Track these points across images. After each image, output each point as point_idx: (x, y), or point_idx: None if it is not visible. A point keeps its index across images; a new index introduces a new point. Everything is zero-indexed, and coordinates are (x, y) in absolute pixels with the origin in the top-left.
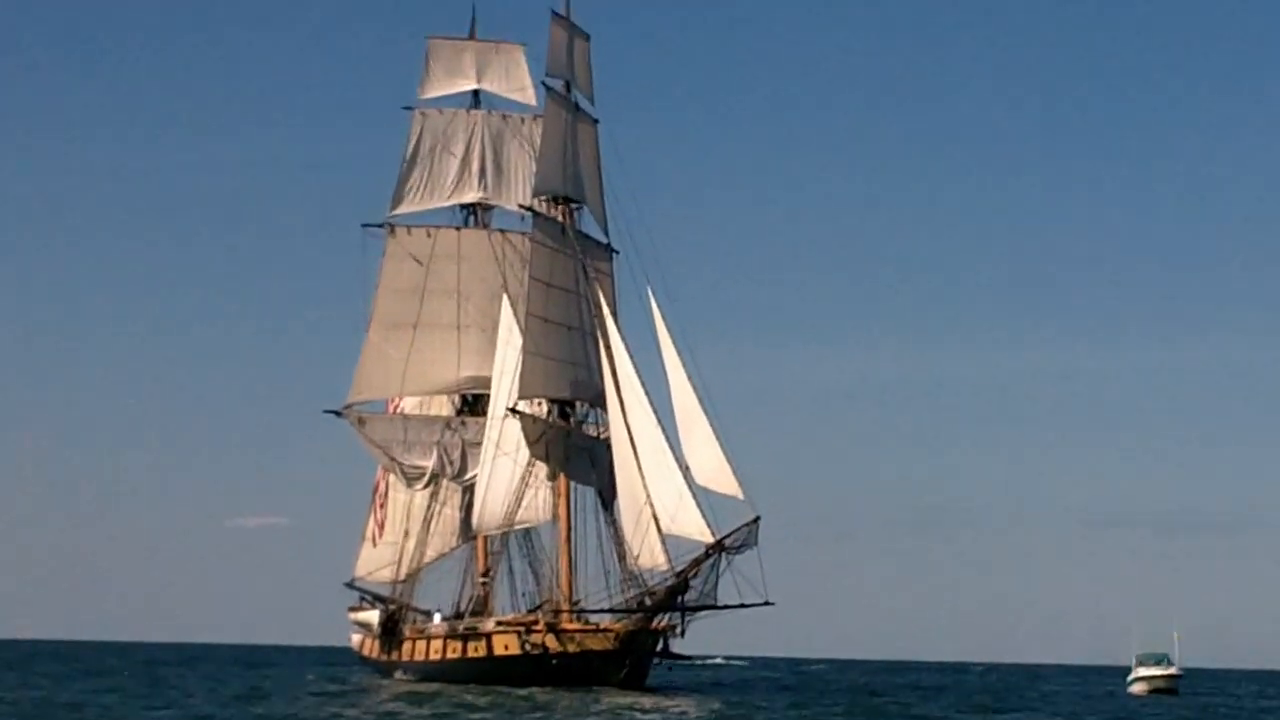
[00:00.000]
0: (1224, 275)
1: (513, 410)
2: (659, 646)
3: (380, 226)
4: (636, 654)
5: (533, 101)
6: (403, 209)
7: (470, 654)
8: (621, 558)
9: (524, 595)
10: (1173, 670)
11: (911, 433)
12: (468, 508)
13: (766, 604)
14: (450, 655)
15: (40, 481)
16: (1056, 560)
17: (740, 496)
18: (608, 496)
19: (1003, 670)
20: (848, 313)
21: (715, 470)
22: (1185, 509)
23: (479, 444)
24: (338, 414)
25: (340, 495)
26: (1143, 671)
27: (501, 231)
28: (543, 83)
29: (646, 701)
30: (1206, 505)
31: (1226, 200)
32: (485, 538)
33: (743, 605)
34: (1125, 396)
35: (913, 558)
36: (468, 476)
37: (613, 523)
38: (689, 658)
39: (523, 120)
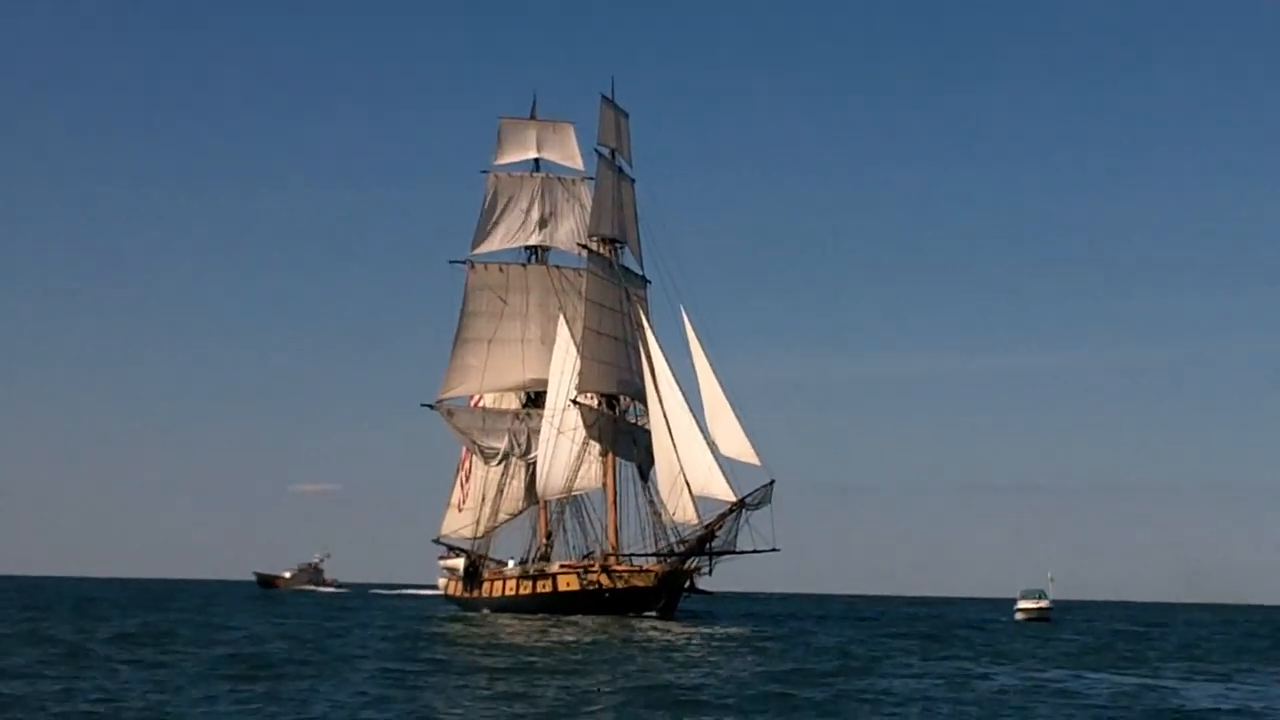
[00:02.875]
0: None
1: (574, 401)
2: (687, 584)
3: (463, 263)
4: (671, 590)
5: (580, 167)
6: (480, 249)
7: (539, 590)
8: (657, 516)
9: (574, 548)
10: (1045, 604)
11: (870, 420)
12: (530, 480)
13: (773, 550)
14: (523, 591)
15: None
16: (964, 520)
17: (758, 463)
18: (645, 470)
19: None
20: (834, 327)
21: (737, 444)
22: (1060, 479)
23: (539, 430)
24: (432, 407)
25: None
26: (1024, 604)
27: (557, 267)
28: (595, 149)
29: (689, 628)
30: (1074, 476)
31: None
32: (545, 502)
33: (756, 551)
34: (1013, 393)
35: (856, 519)
36: (531, 455)
37: (649, 490)
38: (712, 593)
39: (573, 182)
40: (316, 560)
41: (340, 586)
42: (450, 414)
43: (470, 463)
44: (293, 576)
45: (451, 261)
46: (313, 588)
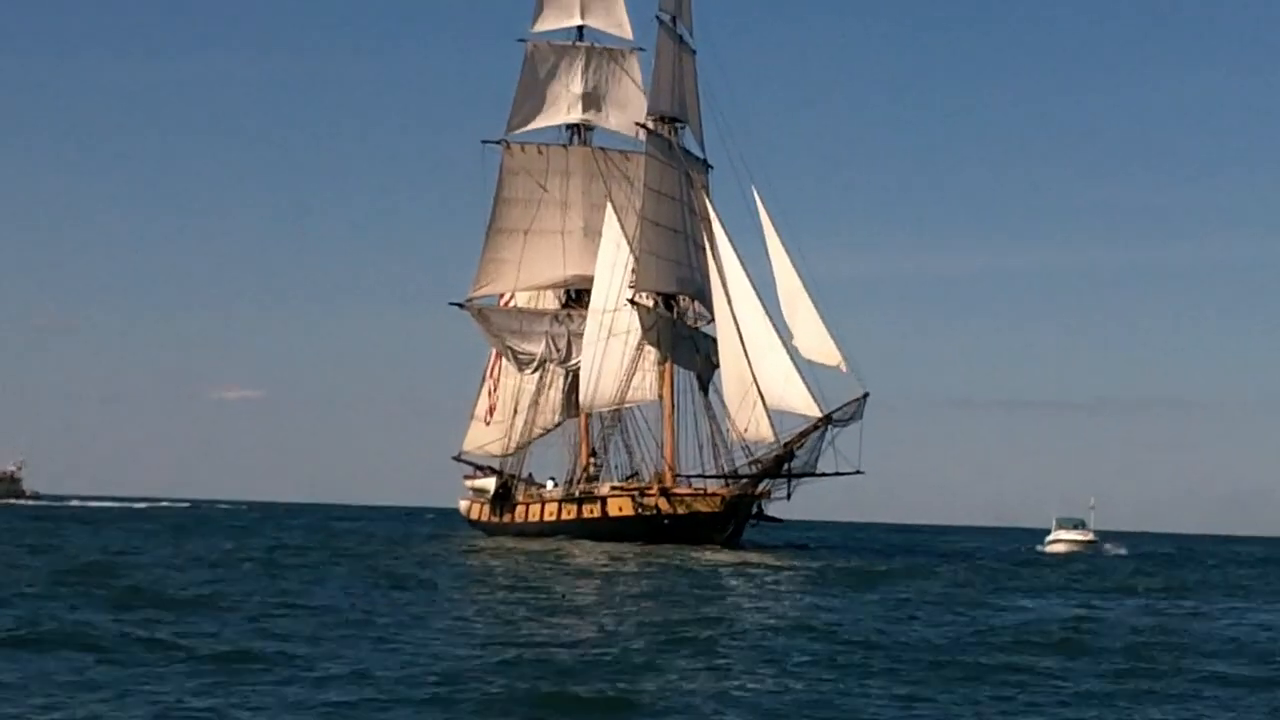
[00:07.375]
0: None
1: (631, 301)
2: (756, 510)
3: (498, 143)
4: (738, 517)
5: (629, 36)
6: (517, 129)
7: (585, 515)
8: (720, 433)
9: (616, 468)
10: (1089, 535)
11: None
12: (570, 389)
13: (858, 473)
14: (565, 516)
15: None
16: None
17: (843, 365)
18: (705, 380)
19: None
20: (919, 211)
21: (818, 342)
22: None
23: (581, 334)
24: (461, 306)
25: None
26: (1061, 534)
27: (602, 149)
28: (656, 16)
29: (768, 558)
30: (1115, 391)
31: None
32: (587, 415)
33: (839, 473)
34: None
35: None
36: (572, 362)
37: (708, 403)
38: (781, 520)
39: (621, 53)
40: (12, 469)
41: (39, 498)
42: (481, 314)
43: (499, 369)
44: None
45: (484, 142)
46: (11, 500)
